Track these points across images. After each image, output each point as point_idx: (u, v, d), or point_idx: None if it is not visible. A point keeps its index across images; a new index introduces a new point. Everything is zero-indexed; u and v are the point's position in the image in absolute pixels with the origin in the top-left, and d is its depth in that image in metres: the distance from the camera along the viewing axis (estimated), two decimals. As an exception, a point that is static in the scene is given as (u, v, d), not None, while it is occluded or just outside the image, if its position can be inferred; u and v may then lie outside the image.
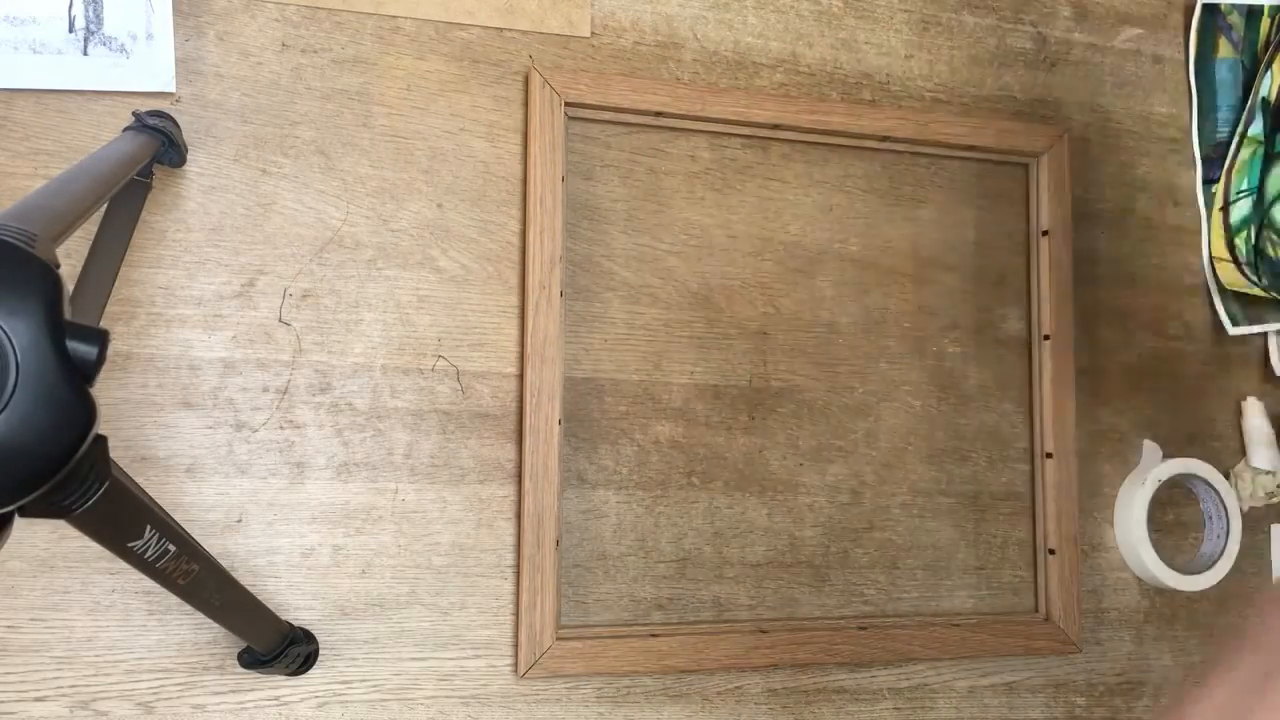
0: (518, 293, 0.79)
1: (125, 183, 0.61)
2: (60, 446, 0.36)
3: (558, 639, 0.75)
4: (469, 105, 0.79)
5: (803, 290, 0.86)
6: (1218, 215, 0.98)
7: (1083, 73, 0.97)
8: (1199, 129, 0.99)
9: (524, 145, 0.80)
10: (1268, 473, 0.95)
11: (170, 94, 0.73)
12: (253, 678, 0.71)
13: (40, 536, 0.68)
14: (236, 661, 0.70)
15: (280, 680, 0.71)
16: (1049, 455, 0.89)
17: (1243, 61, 1.00)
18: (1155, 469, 0.92)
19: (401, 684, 0.73)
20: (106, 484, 0.41)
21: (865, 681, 0.84)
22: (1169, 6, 1.00)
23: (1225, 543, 0.94)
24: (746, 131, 0.85)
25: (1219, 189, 0.99)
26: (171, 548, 0.48)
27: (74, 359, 0.36)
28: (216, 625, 0.66)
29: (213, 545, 0.71)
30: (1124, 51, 0.98)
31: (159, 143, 0.68)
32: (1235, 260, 0.97)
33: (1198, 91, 1.00)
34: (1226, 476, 0.96)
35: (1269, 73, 0.97)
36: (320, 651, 0.72)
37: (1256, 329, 0.98)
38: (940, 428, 0.89)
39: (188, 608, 0.58)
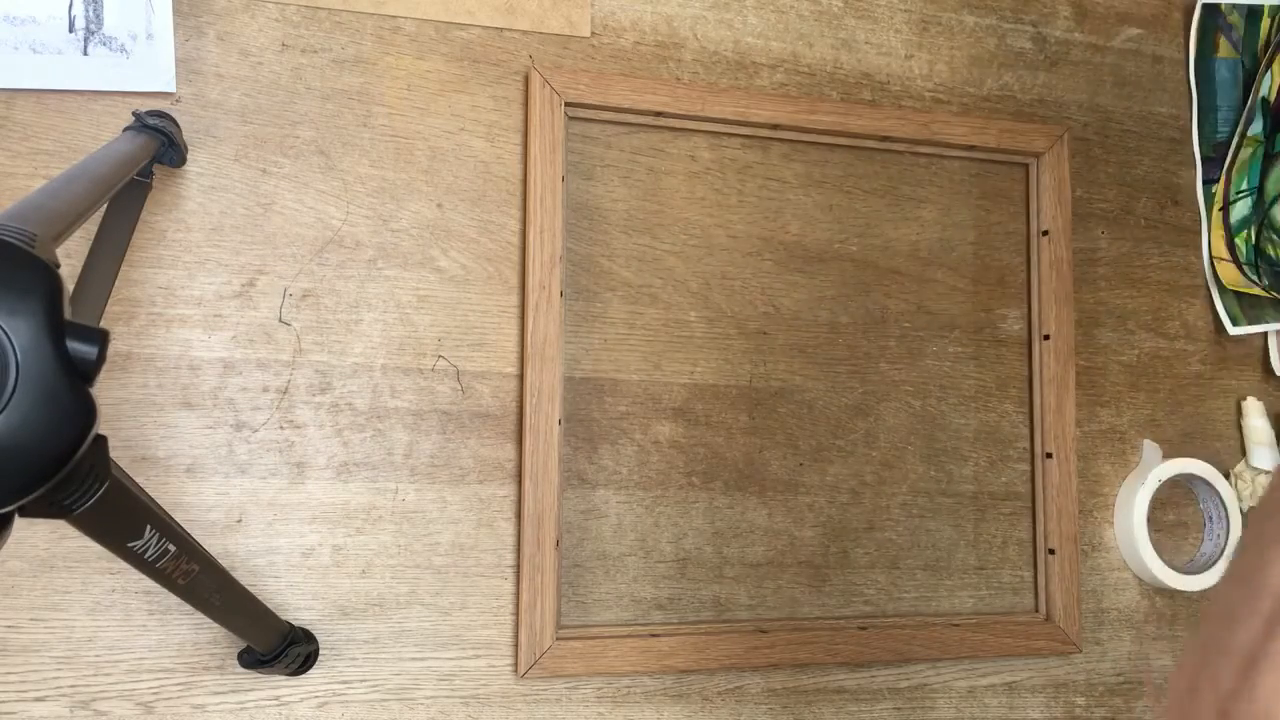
0: (518, 293, 0.79)
1: (125, 183, 0.61)
2: (60, 446, 0.36)
3: (558, 639, 0.75)
4: (469, 105, 0.79)
5: (803, 290, 0.86)
6: (1218, 215, 0.98)
7: (1083, 73, 0.97)
8: (1199, 129, 1.00)
9: (524, 145, 0.80)
10: (1268, 473, 0.95)
11: (170, 94, 0.73)
12: (253, 678, 0.71)
13: (40, 536, 0.68)
14: (236, 661, 0.70)
15: (280, 680, 0.71)
16: (1049, 455, 0.89)
17: (1243, 61, 1.00)
18: (1155, 469, 0.92)
19: (401, 684, 0.73)
20: (106, 484, 0.41)
21: (865, 681, 0.84)
22: (1169, 6, 1.00)
23: (1225, 543, 0.94)
24: (746, 131, 0.85)
25: (1219, 189, 0.99)
26: (171, 548, 0.48)
27: (74, 359, 0.36)
28: (216, 625, 0.66)
29: (213, 545, 0.71)
30: (1124, 51, 0.98)
31: (159, 143, 0.68)
32: (1235, 260, 0.97)
33: (1198, 91, 1.00)
34: (1226, 476, 0.96)
35: (1269, 73, 0.97)
36: (320, 651, 0.72)
37: (1256, 329, 0.98)
38: (940, 428, 0.89)
39: (188, 608, 0.58)
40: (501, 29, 0.80)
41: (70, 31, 0.70)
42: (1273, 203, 0.96)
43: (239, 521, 0.72)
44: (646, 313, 0.82)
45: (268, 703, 0.71)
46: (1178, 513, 0.96)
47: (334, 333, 0.75)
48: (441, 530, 0.75)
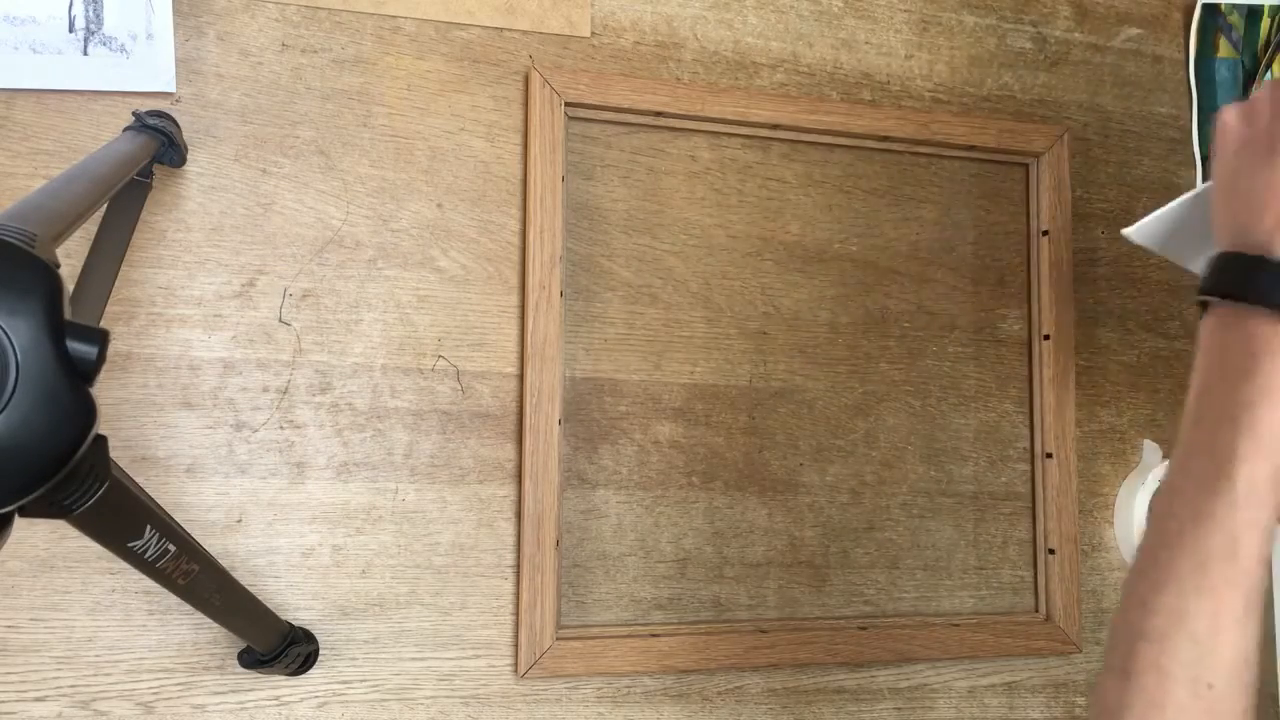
0: (518, 293, 0.79)
1: (125, 183, 0.61)
2: (60, 446, 0.36)
3: (558, 639, 0.75)
4: (469, 105, 0.79)
5: (803, 290, 0.86)
6: (1218, 215, 0.98)
7: (1083, 73, 0.97)
8: (1199, 129, 0.99)
9: (524, 145, 0.80)
10: (1268, 473, 0.95)
11: (170, 94, 0.73)
12: (253, 678, 0.71)
13: (40, 536, 0.68)
14: (236, 661, 0.70)
15: (280, 680, 0.71)
16: (1049, 455, 0.89)
17: (1243, 61, 1.00)
18: (1155, 469, 0.92)
19: (401, 684, 0.73)
20: (106, 484, 0.41)
21: (865, 681, 0.84)
22: (1169, 6, 1.00)
23: (1225, 543, 0.93)
24: (746, 131, 0.85)
25: (1219, 189, 0.99)
26: (171, 548, 0.48)
27: (74, 359, 0.36)
28: (216, 625, 0.66)
29: (213, 545, 0.71)
30: (1124, 51, 0.98)
31: (159, 143, 0.68)
32: (1235, 260, 0.96)
33: (1198, 91, 1.00)
34: (1226, 476, 0.95)
35: (1269, 73, 0.97)
36: (320, 651, 0.72)
37: (1256, 329, 0.97)
38: (940, 428, 0.89)
39: (188, 608, 0.58)
40: (501, 29, 0.80)
41: (70, 31, 0.70)
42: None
43: (239, 521, 0.72)
44: (646, 313, 0.82)
45: (268, 703, 0.71)
46: (1178, 513, 0.96)
47: (334, 333, 0.75)
48: (441, 530, 0.75)
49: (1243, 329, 0.40)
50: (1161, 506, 0.43)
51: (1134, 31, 0.99)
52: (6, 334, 0.35)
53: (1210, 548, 0.39)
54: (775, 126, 0.85)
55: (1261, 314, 0.39)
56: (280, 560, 0.72)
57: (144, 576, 0.50)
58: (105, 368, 0.37)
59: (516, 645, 0.75)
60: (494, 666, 0.75)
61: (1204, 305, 0.43)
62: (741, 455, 0.83)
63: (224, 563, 0.69)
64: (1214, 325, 0.42)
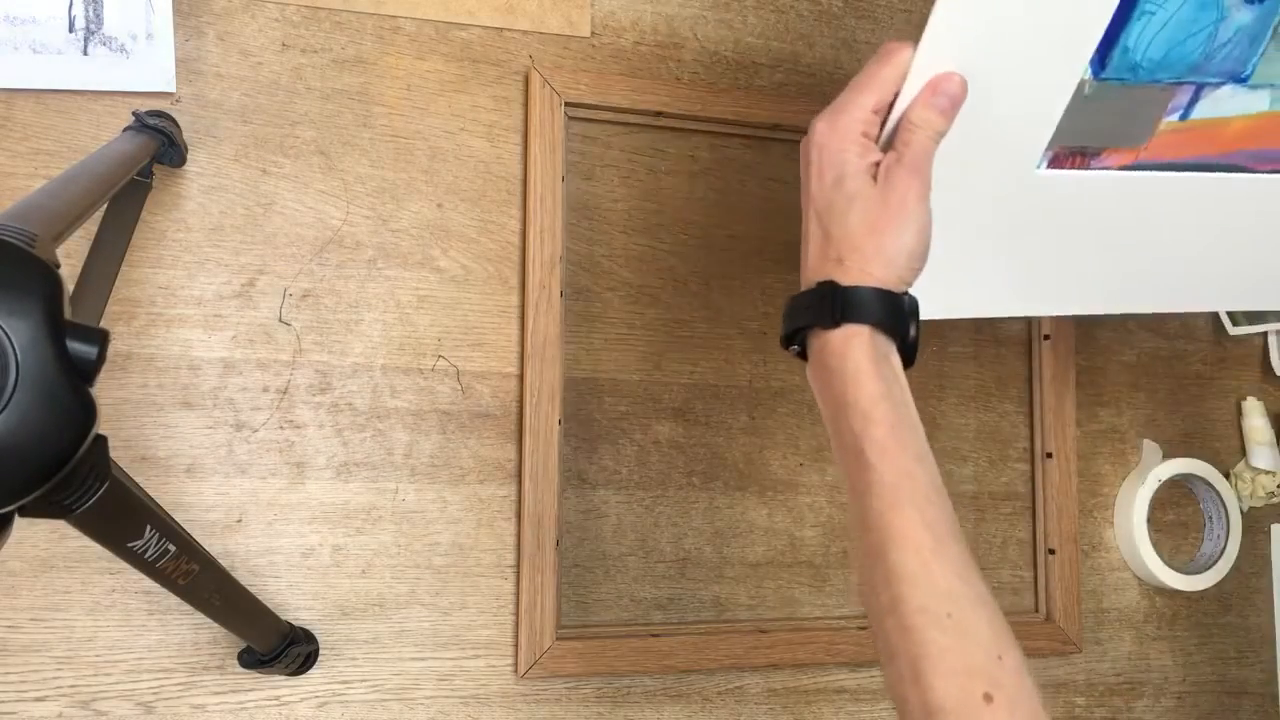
0: (518, 293, 0.79)
1: (125, 183, 0.61)
2: (60, 446, 0.36)
3: (558, 639, 0.75)
4: (469, 105, 0.79)
5: (803, 290, 0.86)
6: (1217, 215, 0.98)
7: (1083, 73, 0.97)
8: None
9: (524, 145, 0.80)
10: (1268, 473, 0.95)
11: (170, 94, 0.73)
12: (253, 678, 0.71)
13: (40, 536, 0.68)
14: (236, 661, 0.70)
15: (280, 680, 0.71)
16: (1049, 455, 0.89)
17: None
18: (1155, 469, 0.92)
19: (401, 684, 0.73)
20: (106, 484, 0.41)
21: (865, 681, 0.84)
22: (1169, 6, 1.00)
23: (1225, 543, 0.94)
24: (746, 131, 0.85)
25: (1219, 189, 0.99)
26: (171, 548, 0.48)
27: (74, 359, 0.36)
28: (216, 625, 0.66)
29: (213, 545, 0.71)
30: (1124, 51, 0.98)
31: (159, 143, 0.68)
32: (1235, 260, 0.96)
33: (1198, 91, 1.00)
34: (1226, 476, 0.96)
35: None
36: (320, 651, 0.72)
37: (1256, 329, 0.98)
38: (940, 427, 0.89)
39: (188, 608, 0.58)
40: (501, 29, 0.80)
41: (70, 31, 0.70)
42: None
43: (239, 521, 0.72)
44: (646, 313, 0.82)
45: (268, 703, 0.71)
46: (1178, 513, 0.96)
47: (334, 333, 0.75)
48: (441, 530, 0.75)
49: (816, 345, 0.54)
50: (849, 518, 0.50)
51: (1134, 31, 0.99)
52: (6, 334, 0.35)
53: (879, 511, 0.47)
54: (775, 126, 0.85)
55: (818, 331, 0.53)
56: (280, 560, 0.72)
57: (144, 576, 0.50)
58: (105, 368, 0.37)
59: (516, 645, 0.75)
60: (494, 666, 0.75)
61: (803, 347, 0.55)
62: (741, 455, 0.83)
63: (224, 563, 0.69)
64: (810, 353, 0.54)
